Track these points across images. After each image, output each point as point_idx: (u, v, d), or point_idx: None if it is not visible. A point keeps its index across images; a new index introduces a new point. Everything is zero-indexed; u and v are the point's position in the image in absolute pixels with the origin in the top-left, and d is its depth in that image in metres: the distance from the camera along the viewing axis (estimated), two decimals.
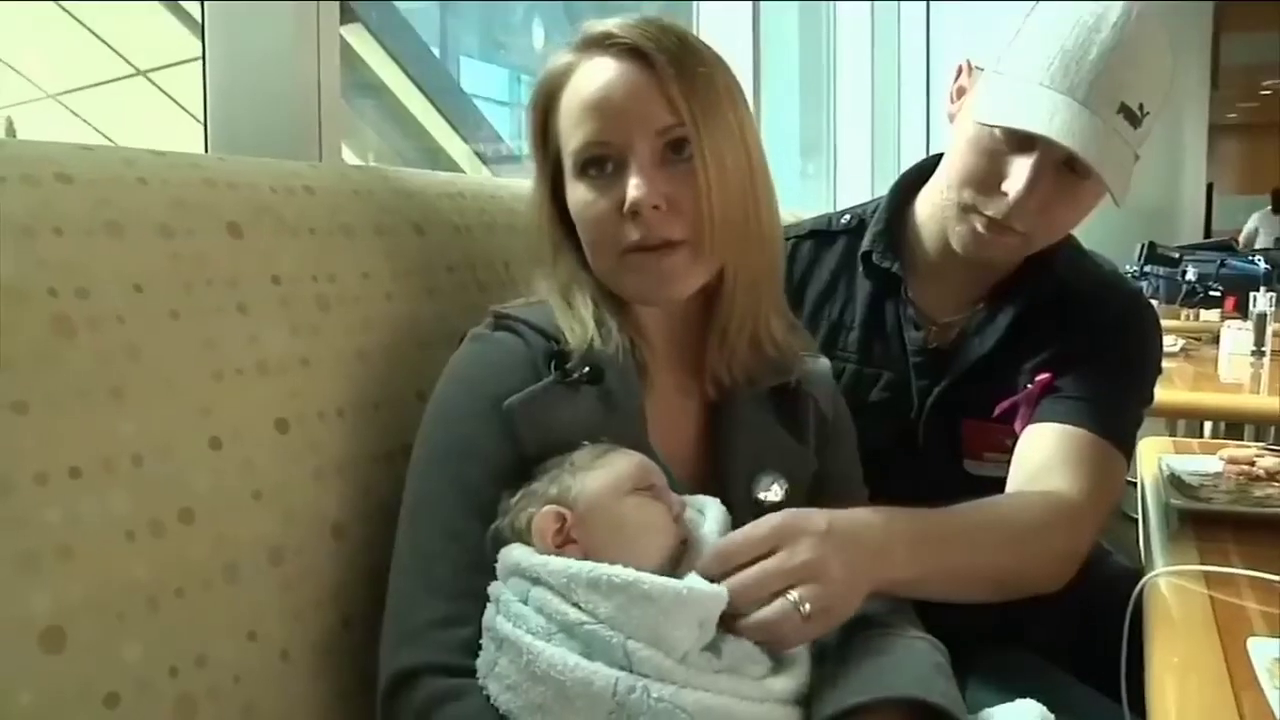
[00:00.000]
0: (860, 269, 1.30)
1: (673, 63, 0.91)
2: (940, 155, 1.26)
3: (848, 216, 1.35)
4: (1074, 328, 1.22)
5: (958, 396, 1.24)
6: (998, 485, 1.15)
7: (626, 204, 0.89)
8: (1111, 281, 1.31)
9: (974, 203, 1.14)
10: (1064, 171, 1.09)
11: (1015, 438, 1.20)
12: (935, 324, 1.27)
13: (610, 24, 0.94)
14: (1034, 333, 1.22)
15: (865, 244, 1.29)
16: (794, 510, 0.87)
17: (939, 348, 1.27)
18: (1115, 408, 1.18)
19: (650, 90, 0.91)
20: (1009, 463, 1.18)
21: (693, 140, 0.90)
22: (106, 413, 0.75)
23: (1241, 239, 6.47)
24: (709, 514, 0.92)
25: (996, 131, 1.10)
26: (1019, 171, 1.09)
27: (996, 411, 1.21)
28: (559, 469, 0.89)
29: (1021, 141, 1.09)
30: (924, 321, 1.27)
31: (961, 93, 1.21)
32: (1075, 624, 1.27)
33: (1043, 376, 1.19)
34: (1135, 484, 1.60)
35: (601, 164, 0.92)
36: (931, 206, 1.26)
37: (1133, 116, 1.09)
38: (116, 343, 0.77)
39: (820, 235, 1.36)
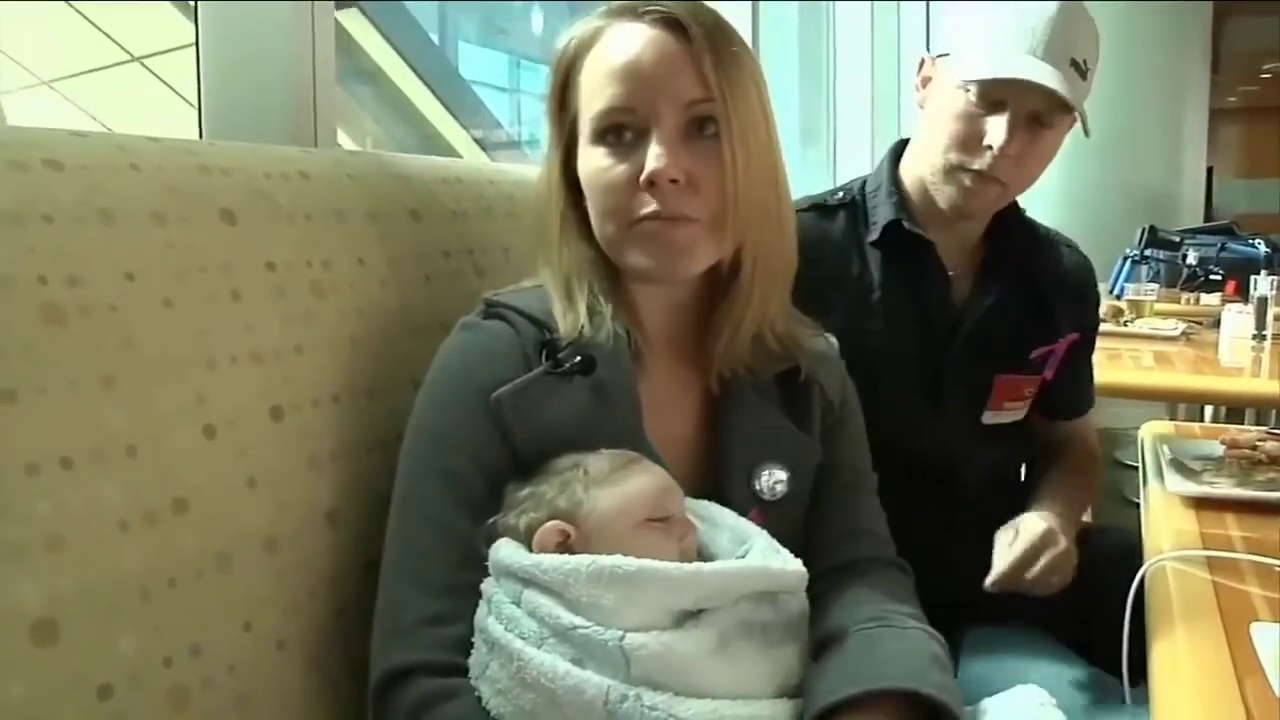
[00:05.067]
0: (871, 238, 1.39)
1: (708, 36, 0.89)
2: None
3: (840, 193, 1.44)
4: (1061, 281, 1.47)
5: (986, 348, 1.39)
6: (1005, 432, 1.43)
7: (645, 173, 0.87)
8: (1061, 238, 1.53)
9: (960, 162, 1.30)
10: (1032, 125, 1.27)
11: (1035, 385, 1.44)
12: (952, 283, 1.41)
13: None
14: (1036, 285, 1.43)
15: (887, 214, 1.38)
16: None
17: (959, 304, 1.40)
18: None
19: (683, 61, 0.89)
20: (1020, 409, 1.43)
21: (720, 117, 0.89)
22: (98, 402, 0.74)
23: None
24: (724, 525, 0.91)
25: (973, 97, 1.27)
26: (996, 127, 1.26)
27: (1033, 356, 1.42)
28: (573, 475, 0.87)
29: (995, 102, 1.26)
30: (945, 280, 1.40)
31: (927, 81, 1.37)
32: (1075, 597, 1.27)
33: (1072, 335, 1.46)
34: (1137, 468, 1.59)
35: (621, 131, 0.90)
36: (913, 177, 1.40)
37: (1080, 69, 1.27)
38: (108, 331, 0.76)
39: (820, 209, 1.43)
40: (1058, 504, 1.30)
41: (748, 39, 2.60)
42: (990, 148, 1.26)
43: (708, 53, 0.88)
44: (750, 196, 0.90)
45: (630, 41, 0.90)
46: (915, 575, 1.07)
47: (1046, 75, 1.22)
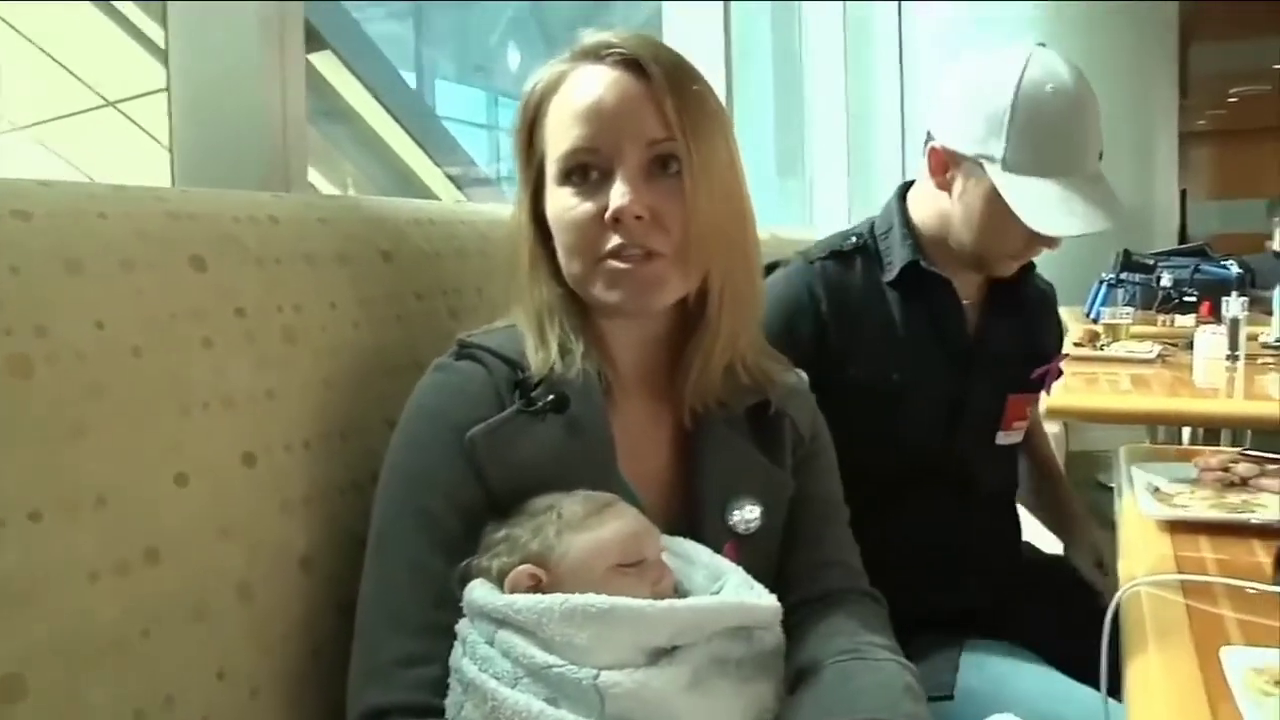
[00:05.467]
0: (888, 278, 1.46)
1: (668, 76, 0.91)
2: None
3: (853, 238, 1.49)
4: (1040, 303, 1.61)
5: (999, 372, 1.48)
6: (1011, 452, 1.56)
7: (610, 210, 0.89)
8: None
9: (1010, 255, 1.42)
10: None
11: (1035, 403, 1.55)
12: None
13: (608, 34, 0.94)
14: (1025, 310, 1.55)
15: (904, 256, 1.45)
16: None
17: (975, 335, 1.49)
18: None
19: (644, 101, 0.91)
20: (1024, 427, 1.54)
21: (682, 155, 0.90)
22: (67, 452, 0.74)
23: None
24: (698, 562, 0.91)
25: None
26: (1050, 240, 1.38)
27: (1034, 375, 1.53)
28: (546, 519, 0.87)
29: None
30: (961, 313, 1.48)
31: (945, 169, 1.42)
32: (1056, 617, 1.38)
33: (1063, 353, 1.62)
34: (1113, 489, 1.60)
35: (586, 171, 0.92)
36: (924, 218, 1.47)
37: (1100, 156, 1.38)
38: (77, 381, 0.76)
39: (838, 256, 1.47)
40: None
41: (721, 70, 2.65)
42: (1039, 250, 1.42)
43: (669, 93, 0.90)
44: (714, 231, 0.92)
45: (592, 84, 0.92)
46: (927, 591, 1.21)
47: (1096, 220, 1.32)
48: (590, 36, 0.94)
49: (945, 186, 1.43)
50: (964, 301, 1.48)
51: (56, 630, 0.71)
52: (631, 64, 0.91)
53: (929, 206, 1.46)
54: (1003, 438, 1.51)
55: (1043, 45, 1.39)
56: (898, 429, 1.42)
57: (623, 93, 0.91)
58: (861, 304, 1.44)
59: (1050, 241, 1.38)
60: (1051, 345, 1.60)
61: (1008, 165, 1.34)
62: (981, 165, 1.37)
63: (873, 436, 1.37)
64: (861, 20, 4.22)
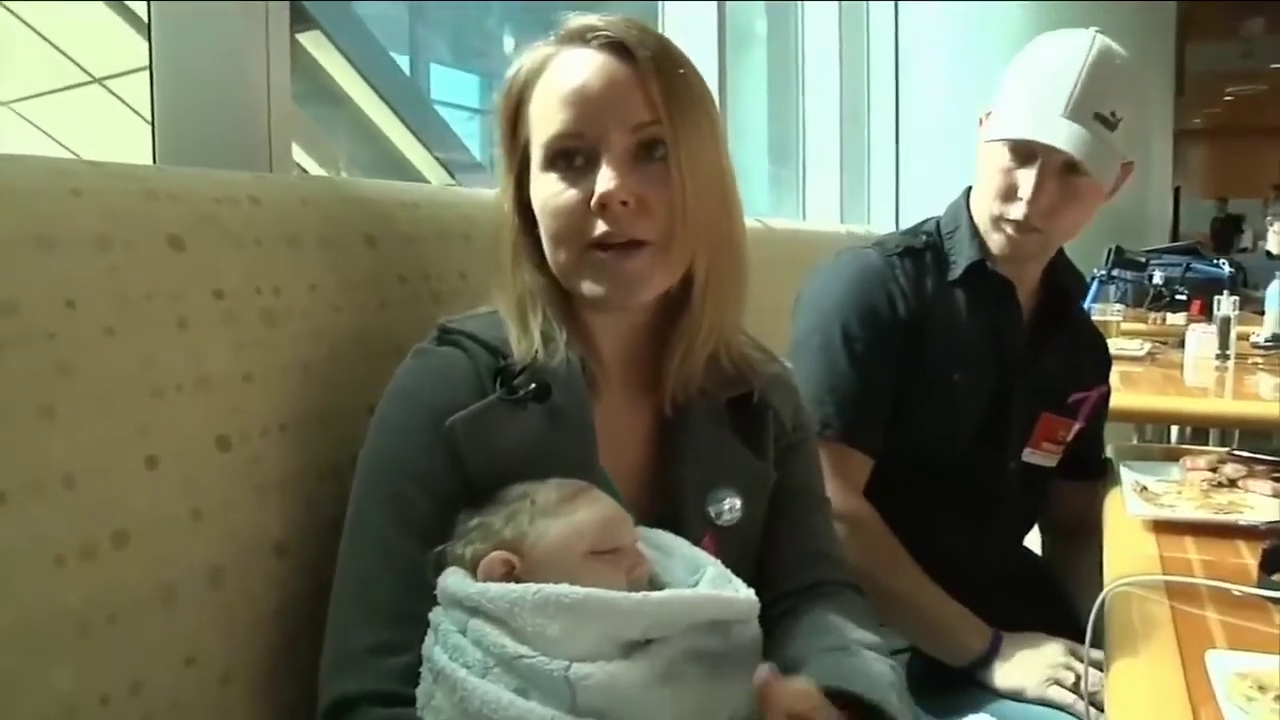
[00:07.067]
0: (952, 277, 1.47)
1: (654, 60, 0.90)
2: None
3: (923, 235, 1.51)
4: (1085, 328, 1.64)
5: (1039, 385, 1.49)
6: (1037, 480, 1.53)
7: (595, 197, 0.87)
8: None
9: (1000, 212, 1.40)
10: (1065, 175, 1.35)
11: (1069, 430, 1.53)
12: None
13: (593, 18, 0.92)
14: (1073, 337, 1.56)
15: (970, 255, 1.46)
16: None
17: (1025, 347, 1.49)
18: None
19: (630, 85, 0.89)
20: (1055, 454, 1.53)
21: (668, 139, 0.89)
22: (35, 433, 0.73)
23: None
24: (676, 554, 0.90)
25: (1006, 151, 1.37)
26: (1026, 179, 1.36)
27: (1070, 399, 1.52)
28: (519, 505, 0.86)
29: (1027, 155, 1.36)
30: (1020, 318, 1.49)
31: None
32: (1038, 617, 1.38)
33: (1102, 386, 1.60)
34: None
35: (571, 157, 0.90)
36: (979, 220, 1.47)
37: (1108, 122, 1.33)
38: (47, 360, 0.74)
39: (912, 252, 1.48)
40: None
41: (714, 57, 2.64)
42: (1022, 199, 1.36)
43: (654, 76, 0.89)
44: (700, 216, 0.90)
45: (577, 67, 0.90)
46: (946, 583, 1.31)
47: (1062, 135, 1.31)
48: (575, 19, 0.93)
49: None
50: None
51: (20, 613, 0.70)
52: (617, 47, 0.90)
53: (975, 206, 1.48)
54: (1029, 455, 1.51)
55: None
56: (951, 427, 1.44)
57: (608, 76, 0.89)
58: (932, 301, 1.45)
59: (1036, 191, 1.34)
60: (1092, 378, 1.59)
61: (1006, 99, 1.41)
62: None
63: (928, 431, 1.43)
64: (858, 13, 4.20)
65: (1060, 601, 1.52)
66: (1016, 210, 1.38)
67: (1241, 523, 1.24)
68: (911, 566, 1.36)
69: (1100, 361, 1.65)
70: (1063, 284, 1.54)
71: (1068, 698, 1.22)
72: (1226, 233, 8.19)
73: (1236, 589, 1.02)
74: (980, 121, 1.46)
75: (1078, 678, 1.23)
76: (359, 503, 0.89)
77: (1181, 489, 1.41)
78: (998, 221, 1.41)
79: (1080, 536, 1.58)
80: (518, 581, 0.81)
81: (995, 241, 1.43)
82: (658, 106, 0.88)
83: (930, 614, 1.34)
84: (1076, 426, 1.55)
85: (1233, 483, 1.42)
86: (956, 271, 1.46)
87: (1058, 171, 1.35)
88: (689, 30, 2.71)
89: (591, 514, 0.86)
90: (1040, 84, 1.36)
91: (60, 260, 0.77)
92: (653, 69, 0.89)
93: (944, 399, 1.43)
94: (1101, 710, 1.08)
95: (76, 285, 0.78)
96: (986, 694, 1.28)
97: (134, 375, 0.81)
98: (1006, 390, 1.46)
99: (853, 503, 1.36)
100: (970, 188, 1.52)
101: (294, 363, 0.96)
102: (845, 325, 1.41)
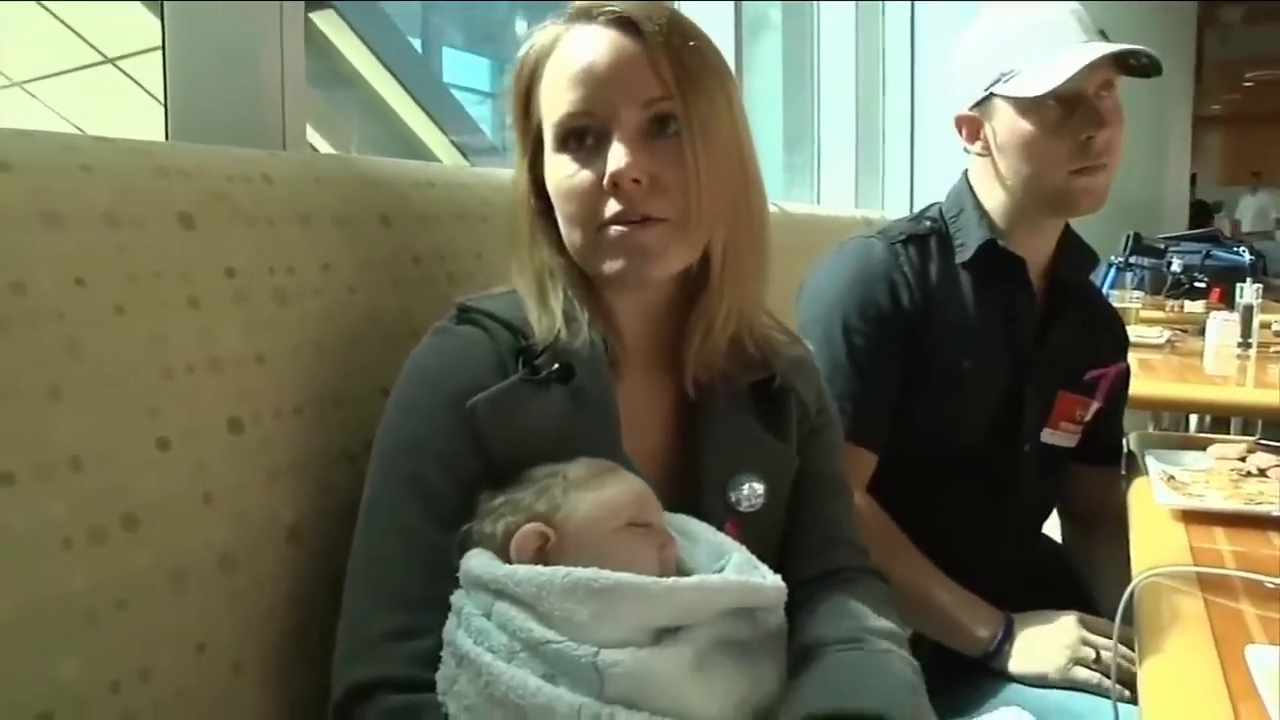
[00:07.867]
0: (962, 259, 1.43)
1: (662, 34, 0.88)
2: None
3: (926, 221, 1.47)
4: (1099, 305, 1.62)
5: (1054, 363, 1.46)
6: (1055, 461, 1.49)
7: (607, 176, 0.85)
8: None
9: (1078, 167, 1.34)
10: (1106, 98, 1.34)
11: (1086, 410, 1.50)
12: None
13: None
14: (1087, 314, 1.53)
15: (980, 235, 1.42)
16: None
17: (1039, 327, 1.46)
18: None
19: (638, 60, 0.87)
20: (1073, 435, 1.49)
21: (680, 114, 0.87)
22: (43, 414, 0.71)
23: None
24: (701, 540, 0.88)
25: (1048, 108, 1.33)
26: (1088, 117, 1.32)
27: (1087, 377, 1.49)
28: (551, 481, 0.84)
29: (1073, 99, 1.32)
30: (1033, 297, 1.45)
31: (977, 129, 1.42)
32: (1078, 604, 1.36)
33: (1120, 364, 1.57)
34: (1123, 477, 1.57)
35: (582, 136, 0.88)
36: (994, 202, 1.44)
37: (1106, 37, 1.37)
38: (55, 339, 0.73)
39: (916, 239, 1.44)
40: None
41: (731, 43, 2.61)
42: (1091, 138, 1.32)
43: (663, 50, 0.87)
44: (717, 192, 0.88)
45: (585, 45, 0.89)
46: (964, 575, 1.29)
47: (1103, 47, 1.30)
48: None
49: (986, 147, 1.42)
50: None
51: (28, 598, 0.68)
52: (625, 23, 0.88)
53: (988, 181, 1.44)
54: (1048, 435, 1.48)
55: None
56: (961, 415, 1.42)
57: (616, 52, 0.87)
58: (938, 287, 1.42)
59: (1100, 120, 1.32)
60: (1109, 356, 1.55)
61: (1014, 73, 1.36)
62: (994, 97, 1.38)
63: (937, 422, 1.40)
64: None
65: (1082, 589, 1.49)
66: (1088, 156, 1.34)
67: (1274, 514, 1.21)
68: (917, 557, 1.34)
69: (1117, 338, 1.61)
70: (1074, 258, 1.50)
71: (1093, 677, 1.20)
72: (1201, 218, 8.15)
73: (1270, 581, 1.00)
74: (960, 125, 1.44)
75: (1098, 652, 1.21)
76: (375, 484, 0.87)
77: (1210, 479, 1.38)
78: (1073, 179, 1.35)
79: (1099, 524, 1.55)
80: (549, 558, 0.80)
81: (1074, 207, 1.38)
82: (668, 81, 0.87)
83: (937, 603, 1.31)
84: (1095, 405, 1.52)
85: (1262, 472, 1.39)
86: (966, 254, 1.42)
87: (1108, 89, 1.34)
88: (704, 24, 2.68)
89: (625, 488, 0.85)
90: (1045, 37, 1.35)
91: (69, 237, 0.75)
92: (662, 43, 0.87)
93: (954, 388, 1.40)
94: (1127, 689, 1.07)
95: (85, 263, 0.76)
96: (1003, 680, 1.26)
97: (144, 355, 0.79)
98: (1020, 372, 1.44)
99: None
100: (966, 171, 1.49)
101: (306, 344, 0.94)
102: (846, 319, 1.37)
